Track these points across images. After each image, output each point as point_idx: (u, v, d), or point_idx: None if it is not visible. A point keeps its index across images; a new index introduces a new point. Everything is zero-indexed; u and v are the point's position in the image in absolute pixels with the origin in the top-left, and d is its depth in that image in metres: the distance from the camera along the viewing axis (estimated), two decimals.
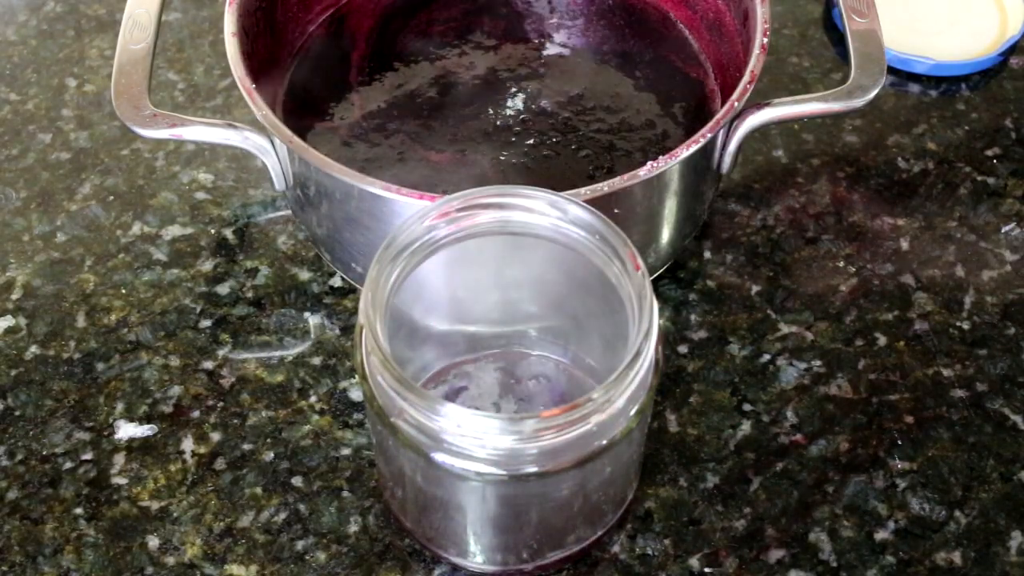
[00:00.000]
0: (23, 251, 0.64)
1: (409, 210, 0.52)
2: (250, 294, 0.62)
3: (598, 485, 0.50)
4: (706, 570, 0.54)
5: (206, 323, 0.61)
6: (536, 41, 0.68)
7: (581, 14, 0.69)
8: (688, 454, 0.57)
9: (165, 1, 0.61)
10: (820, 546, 0.54)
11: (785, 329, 0.61)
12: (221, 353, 0.60)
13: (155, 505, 0.55)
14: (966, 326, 0.61)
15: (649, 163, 0.54)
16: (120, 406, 0.58)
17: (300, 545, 0.54)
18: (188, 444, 0.57)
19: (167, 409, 0.58)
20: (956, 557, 0.54)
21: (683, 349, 0.60)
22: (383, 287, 0.47)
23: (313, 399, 0.59)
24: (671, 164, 0.54)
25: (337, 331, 0.61)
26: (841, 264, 0.64)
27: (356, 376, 0.55)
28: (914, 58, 0.71)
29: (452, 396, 0.56)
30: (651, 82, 0.66)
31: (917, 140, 0.69)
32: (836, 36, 0.74)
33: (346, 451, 0.57)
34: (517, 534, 0.51)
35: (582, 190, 0.52)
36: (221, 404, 0.58)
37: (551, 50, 0.68)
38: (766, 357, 0.60)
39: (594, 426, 0.45)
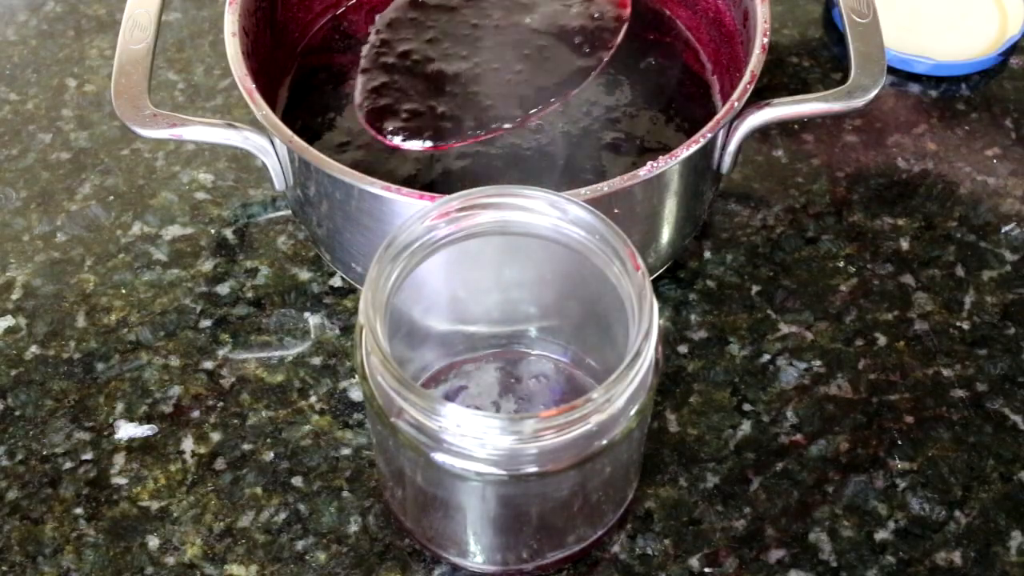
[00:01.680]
0: (23, 251, 0.64)
1: (409, 210, 0.52)
2: (250, 294, 0.62)
3: (598, 485, 0.50)
4: (706, 570, 0.54)
5: (206, 323, 0.61)
6: None
7: None
8: (688, 454, 0.57)
9: (165, 1, 0.61)
10: (820, 546, 0.54)
11: (785, 329, 0.61)
12: (221, 353, 0.60)
13: (155, 505, 0.55)
14: (966, 326, 0.61)
15: (649, 163, 0.54)
16: (120, 406, 0.58)
17: (300, 545, 0.54)
18: (188, 444, 0.57)
19: (167, 409, 0.58)
20: (956, 557, 0.54)
21: (683, 349, 0.60)
22: (383, 287, 0.47)
23: (313, 399, 0.59)
24: (671, 164, 0.54)
25: (337, 331, 0.61)
26: (841, 264, 0.64)
27: (356, 376, 0.55)
28: (914, 58, 0.71)
29: (452, 396, 0.56)
30: (651, 82, 0.66)
31: (917, 140, 0.69)
32: (836, 36, 0.74)
33: (346, 451, 0.57)
34: (517, 534, 0.51)
35: (582, 190, 0.52)
36: (221, 404, 0.58)
37: None
38: (766, 357, 0.60)
39: (594, 426, 0.45)
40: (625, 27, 0.61)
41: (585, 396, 0.44)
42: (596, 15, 0.61)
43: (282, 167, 0.58)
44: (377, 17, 0.62)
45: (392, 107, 0.58)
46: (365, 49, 0.60)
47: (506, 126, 0.58)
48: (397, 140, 0.57)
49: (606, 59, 0.60)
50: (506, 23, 0.61)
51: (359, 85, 0.59)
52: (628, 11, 0.61)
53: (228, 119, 0.62)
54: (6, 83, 0.71)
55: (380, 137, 0.57)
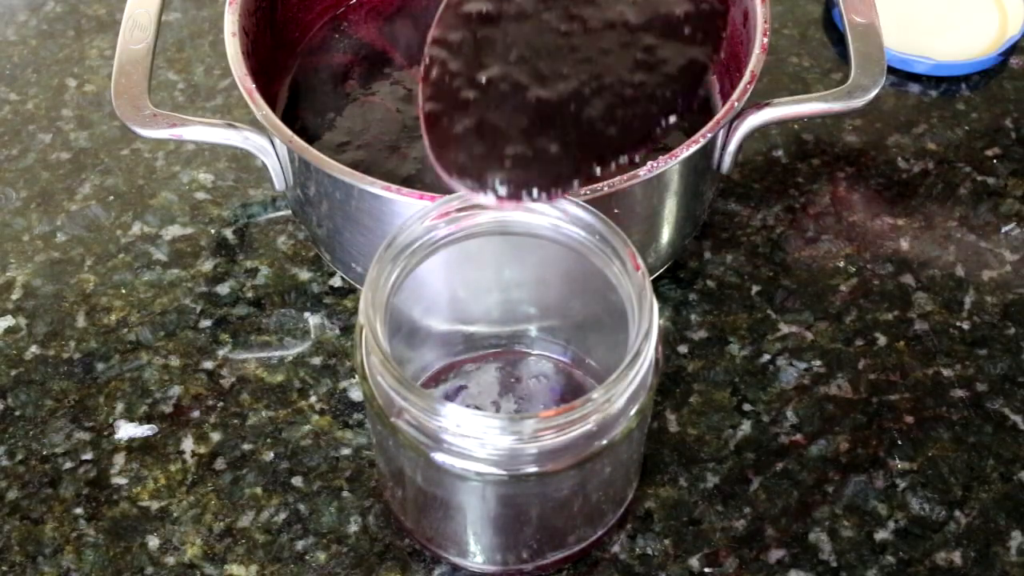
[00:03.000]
0: (23, 251, 0.64)
1: (409, 210, 0.52)
2: (250, 294, 0.62)
3: (598, 485, 0.50)
4: (706, 570, 0.54)
5: (206, 323, 0.61)
6: None
7: None
8: (688, 454, 0.57)
9: (165, 1, 0.61)
10: (820, 546, 0.54)
11: (785, 329, 0.61)
12: (221, 353, 0.60)
13: (155, 505, 0.55)
14: (966, 326, 0.61)
15: (649, 163, 0.54)
16: (120, 406, 0.58)
17: (300, 545, 0.54)
18: (188, 444, 0.57)
19: (167, 409, 0.58)
20: (956, 557, 0.54)
21: (683, 349, 0.60)
22: (383, 287, 0.47)
23: (313, 399, 0.59)
24: (671, 164, 0.54)
25: (337, 331, 0.61)
26: (841, 264, 0.64)
27: (356, 376, 0.55)
28: (914, 58, 0.71)
29: (452, 396, 0.56)
30: None
31: (917, 140, 0.69)
32: (836, 36, 0.74)
33: (346, 451, 0.57)
34: (517, 534, 0.51)
35: (582, 190, 0.52)
36: (221, 404, 0.58)
37: None
38: (766, 357, 0.60)
39: (594, 426, 0.45)
40: (731, 7, 0.50)
41: (585, 396, 0.44)
42: None
43: (282, 167, 0.58)
44: (429, 40, 0.47)
45: (494, 153, 0.45)
46: (425, 89, 0.46)
47: (638, 156, 0.46)
48: (501, 193, 0.44)
49: (723, 48, 0.48)
50: (600, 24, 0.48)
51: (432, 135, 0.45)
52: None
53: (228, 119, 0.62)
54: (6, 83, 0.71)
55: (479, 193, 0.45)
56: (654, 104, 0.46)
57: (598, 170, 0.44)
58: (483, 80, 0.45)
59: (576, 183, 0.44)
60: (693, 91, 0.46)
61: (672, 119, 0.45)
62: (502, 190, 0.44)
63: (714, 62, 0.47)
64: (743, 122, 0.58)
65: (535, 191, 0.44)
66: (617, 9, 0.47)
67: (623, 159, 0.46)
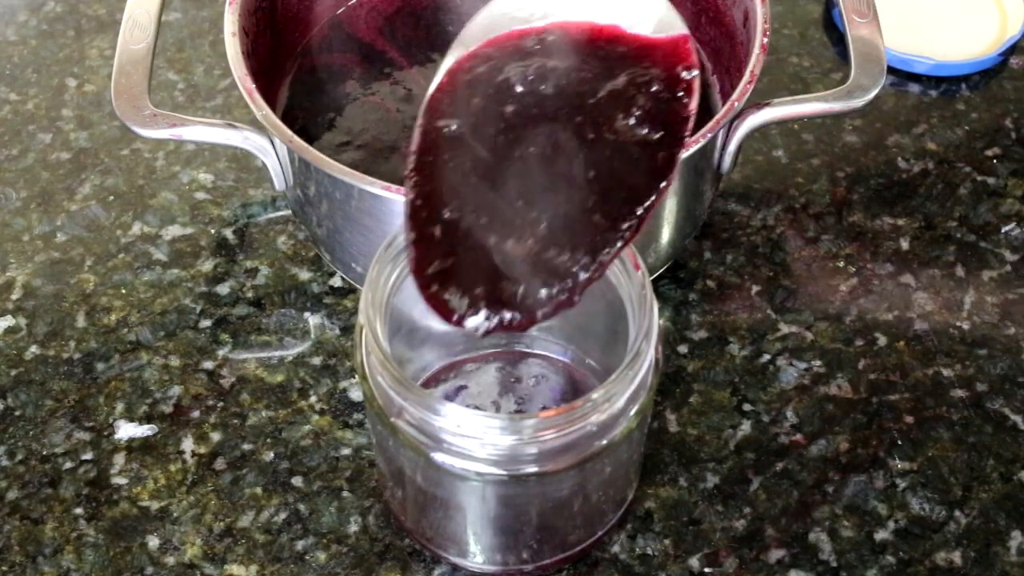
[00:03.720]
0: (23, 251, 0.64)
1: None
2: (250, 294, 0.62)
3: (598, 485, 0.50)
4: (706, 570, 0.54)
5: (206, 323, 0.61)
6: None
7: None
8: (688, 454, 0.57)
9: (165, 1, 0.61)
10: (820, 546, 0.54)
11: (785, 329, 0.61)
12: (221, 353, 0.60)
13: (155, 505, 0.55)
14: (966, 326, 0.61)
15: None
16: (120, 406, 0.58)
17: (300, 545, 0.54)
18: (188, 444, 0.57)
19: (167, 409, 0.58)
20: (956, 557, 0.54)
21: (683, 349, 0.60)
22: (383, 287, 0.47)
23: (313, 399, 0.59)
24: None
25: (337, 331, 0.61)
26: (841, 264, 0.64)
27: (356, 376, 0.55)
28: (914, 58, 0.71)
29: (452, 396, 0.56)
30: None
31: (917, 140, 0.69)
32: (836, 36, 0.74)
33: (346, 451, 0.57)
34: (517, 534, 0.51)
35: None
36: (221, 404, 0.58)
37: None
38: (766, 357, 0.60)
39: (594, 426, 0.45)
40: (697, 89, 0.48)
41: (585, 396, 0.44)
42: (657, 88, 0.48)
43: (282, 167, 0.58)
44: (409, 162, 0.46)
45: (469, 294, 0.45)
46: (407, 219, 0.46)
47: (603, 258, 0.46)
48: (480, 331, 0.45)
49: (688, 135, 0.47)
50: (569, 147, 0.47)
51: (415, 268, 0.45)
52: (696, 70, 0.48)
53: (228, 119, 0.62)
54: (6, 83, 0.71)
55: (459, 328, 0.45)
56: (618, 231, 0.46)
57: (575, 299, 0.45)
58: (453, 218, 0.45)
59: (551, 314, 0.45)
60: (661, 187, 0.47)
61: (632, 227, 0.46)
62: (481, 329, 0.45)
63: (675, 164, 0.47)
64: (743, 122, 0.58)
65: (511, 324, 0.45)
66: (576, 124, 0.47)
67: (596, 276, 0.46)
